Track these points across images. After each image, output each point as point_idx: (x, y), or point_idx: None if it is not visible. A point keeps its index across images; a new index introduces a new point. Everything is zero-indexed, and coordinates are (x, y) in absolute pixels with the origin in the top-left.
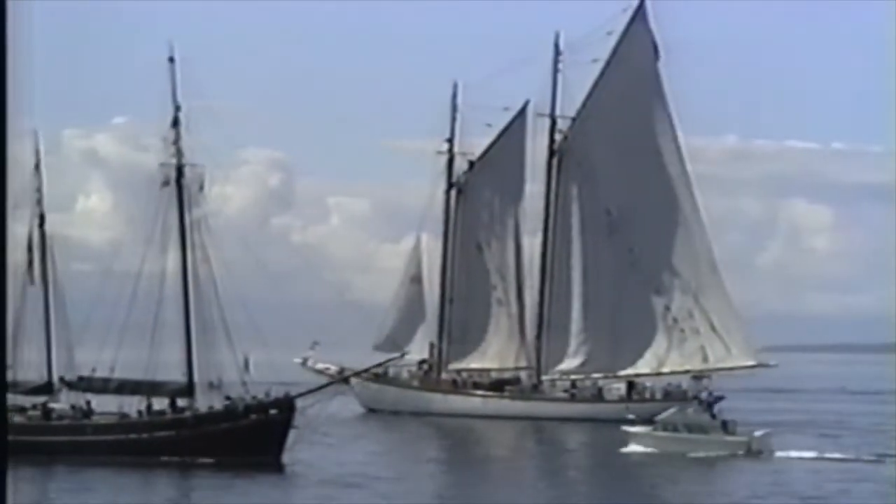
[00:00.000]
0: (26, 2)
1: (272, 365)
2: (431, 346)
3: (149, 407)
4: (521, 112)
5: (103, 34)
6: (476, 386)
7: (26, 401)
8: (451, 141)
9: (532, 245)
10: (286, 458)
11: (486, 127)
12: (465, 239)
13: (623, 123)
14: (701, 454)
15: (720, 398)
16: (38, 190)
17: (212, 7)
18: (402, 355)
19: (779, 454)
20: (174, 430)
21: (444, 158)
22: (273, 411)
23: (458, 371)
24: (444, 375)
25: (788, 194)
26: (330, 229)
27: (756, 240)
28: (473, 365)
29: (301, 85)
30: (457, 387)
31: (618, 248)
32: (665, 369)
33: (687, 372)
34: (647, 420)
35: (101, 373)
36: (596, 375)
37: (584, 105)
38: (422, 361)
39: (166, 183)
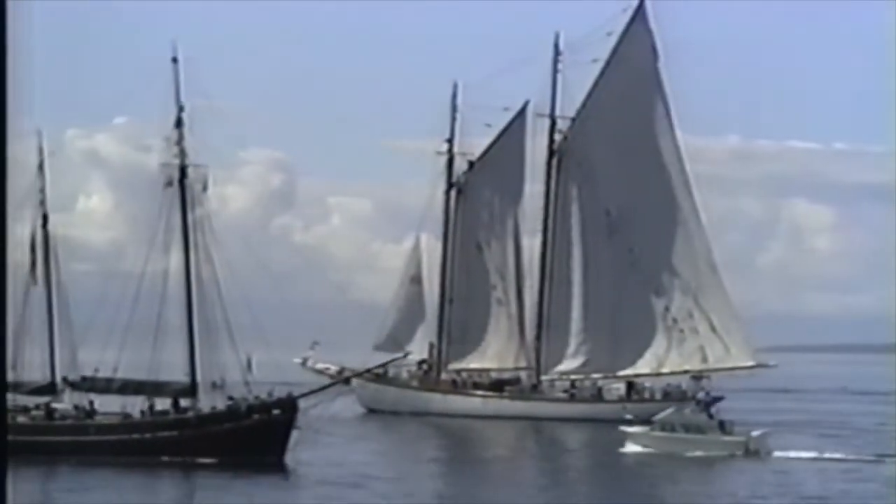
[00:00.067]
0: (26, 2)
1: (275, 365)
2: (431, 346)
3: (151, 407)
4: (521, 112)
5: (103, 34)
6: (476, 386)
7: (30, 401)
8: (450, 141)
9: (532, 245)
10: (289, 458)
11: (486, 127)
12: (465, 239)
13: (623, 124)
14: (698, 454)
15: (719, 398)
16: (42, 190)
17: (211, 7)
18: (405, 355)
19: (776, 454)
20: (177, 430)
21: (443, 158)
22: (276, 411)
23: (458, 371)
24: (443, 375)
25: (789, 194)
26: (331, 229)
27: (757, 240)
28: (473, 365)
29: (301, 85)
30: (456, 387)
31: (617, 249)
32: (664, 370)
33: (686, 372)
34: (646, 420)
35: (104, 373)
36: (595, 376)
37: (583, 105)
38: (421, 361)
39: (169, 183)
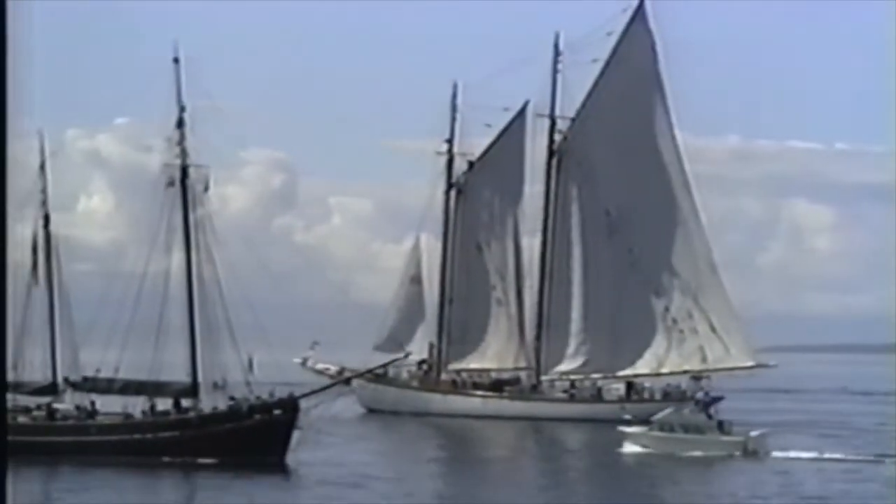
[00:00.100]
0: (26, 2)
1: (276, 365)
2: (431, 346)
3: (152, 407)
4: (521, 112)
5: (104, 35)
6: (476, 386)
7: (31, 401)
8: (450, 141)
9: (532, 245)
10: (290, 458)
11: (486, 127)
12: (465, 239)
13: (623, 124)
14: (696, 454)
15: (718, 399)
16: (43, 191)
17: (210, 8)
18: (407, 356)
19: (774, 454)
20: (178, 430)
21: (443, 159)
22: (277, 412)
23: (458, 371)
24: (443, 376)
25: (789, 194)
26: (332, 229)
27: (757, 240)
28: (473, 365)
29: (301, 85)
30: (456, 387)
31: (617, 249)
32: (664, 370)
33: (686, 372)
34: (645, 420)
35: (105, 373)
36: (595, 376)
37: (583, 105)
38: (421, 362)
39: (171, 183)
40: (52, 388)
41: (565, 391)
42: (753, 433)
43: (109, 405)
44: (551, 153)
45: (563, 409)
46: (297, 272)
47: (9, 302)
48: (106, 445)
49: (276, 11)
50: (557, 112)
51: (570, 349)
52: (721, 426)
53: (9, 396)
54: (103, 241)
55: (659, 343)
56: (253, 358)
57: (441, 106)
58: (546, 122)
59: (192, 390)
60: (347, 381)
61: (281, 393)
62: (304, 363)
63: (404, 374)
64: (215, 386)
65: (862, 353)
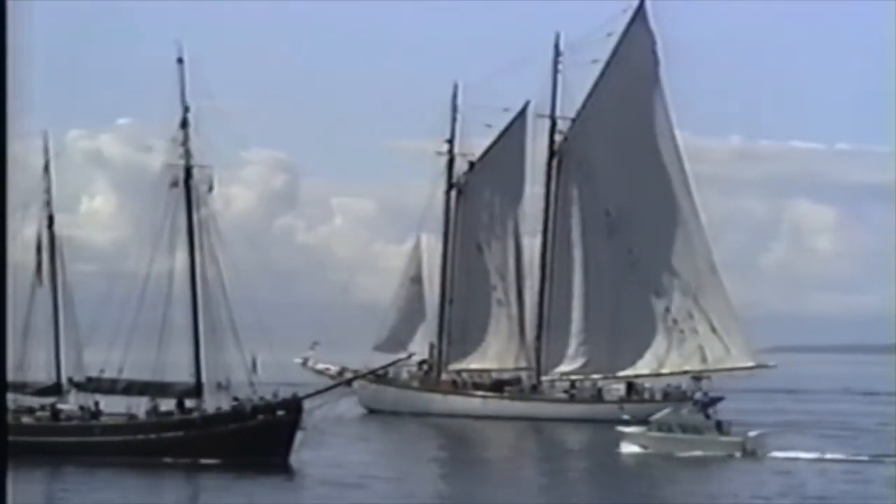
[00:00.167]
0: (26, 2)
1: (280, 365)
2: (431, 346)
3: (154, 408)
4: (521, 113)
5: (104, 35)
6: (476, 386)
7: (35, 402)
8: (451, 141)
9: (532, 246)
10: (293, 459)
11: (486, 127)
12: (466, 239)
13: (623, 124)
14: (695, 454)
15: (718, 399)
16: (48, 191)
17: (210, 8)
18: (410, 356)
19: (773, 454)
20: (182, 430)
21: (444, 159)
22: (281, 412)
23: (458, 371)
24: (443, 376)
25: (791, 194)
26: (333, 229)
27: (759, 240)
28: (473, 365)
29: (301, 85)
30: (457, 387)
31: (617, 249)
32: (664, 370)
33: (686, 373)
34: (644, 420)
35: (109, 374)
36: (595, 376)
37: (583, 106)
38: (422, 362)
39: (175, 184)
40: (56, 389)
41: (565, 391)
42: (752, 433)
43: (113, 406)
44: (552, 153)
45: (563, 409)
46: (299, 272)
47: (11, 302)
48: (110, 446)
49: (272, 12)
50: (558, 112)
51: (571, 349)
52: (719, 426)
53: (13, 397)
54: (106, 242)
55: (659, 343)
56: (256, 358)
57: (441, 106)
58: (546, 123)
59: (196, 391)
60: (350, 382)
61: (284, 393)
62: (304, 363)
63: (404, 375)
64: (219, 386)
65: (864, 353)
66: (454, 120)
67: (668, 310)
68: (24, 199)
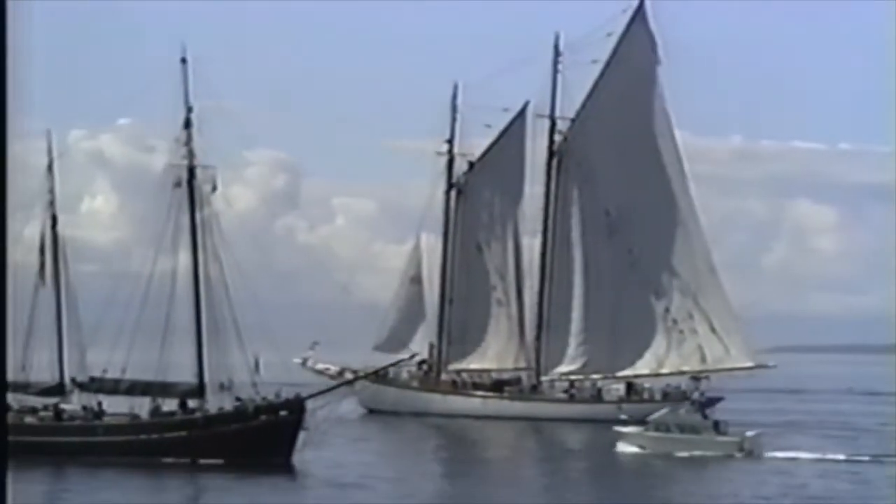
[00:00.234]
0: (26, 2)
1: (282, 366)
2: (431, 346)
3: (157, 408)
4: (521, 113)
5: (104, 35)
6: (476, 387)
7: (38, 402)
8: (450, 142)
9: (532, 246)
10: (296, 459)
11: (486, 128)
12: (465, 239)
13: (622, 124)
14: (693, 454)
15: (716, 399)
16: (51, 191)
17: (209, 8)
18: (412, 357)
19: (771, 454)
20: (184, 431)
21: (444, 159)
22: (283, 412)
23: (458, 372)
24: (443, 376)
25: (793, 194)
26: (335, 230)
27: (760, 240)
28: (473, 365)
29: (301, 85)
30: (456, 387)
31: (617, 249)
32: (664, 370)
33: (685, 373)
34: (643, 420)
35: (112, 374)
36: (595, 376)
37: (583, 106)
38: (421, 362)
39: (178, 184)
40: (59, 389)
41: (565, 391)
42: (749, 433)
43: (116, 406)
44: (551, 154)
45: (562, 409)
46: (301, 272)
47: (15, 303)
48: (113, 446)
49: (272, 12)
50: (557, 113)
51: (571, 349)
52: (717, 426)
53: (16, 397)
54: (107, 242)
55: (659, 343)
56: (259, 358)
57: (441, 106)
58: (546, 123)
59: (199, 391)
60: (352, 382)
61: (287, 393)
62: (304, 363)
63: (404, 375)
64: (221, 387)
65: (865, 353)
66: (454, 120)
67: (667, 310)
68: (26, 199)
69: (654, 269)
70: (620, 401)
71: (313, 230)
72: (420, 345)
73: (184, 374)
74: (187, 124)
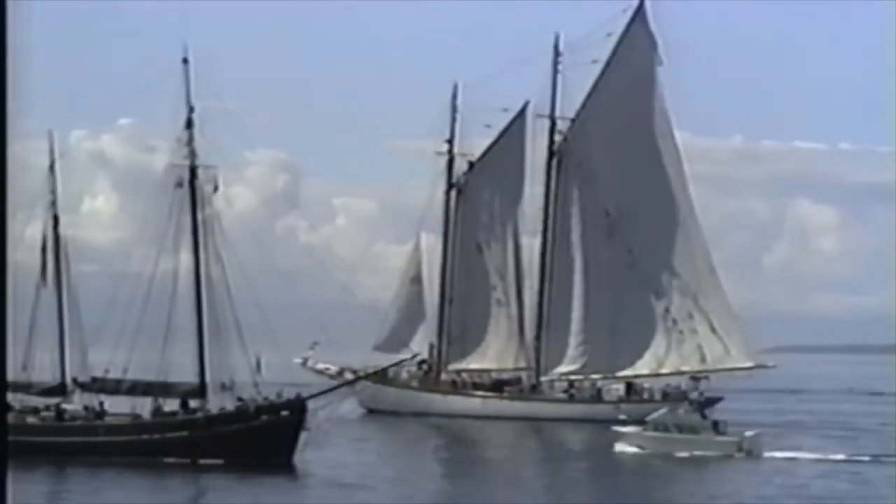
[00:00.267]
0: (26, 2)
1: (284, 366)
2: (431, 346)
3: (158, 408)
4: (521, 113)
5: (105, 35)
6: (476, 387)
7: (40, 402)
8: (450, 142)
9: (532, 246)
10: (297, 459)
11: (486, 128)
12: (465, 239)
13: (623, 124)
14: (692, 454)
15: (715, 399)
16: (52, 191)
17: (209, 8)
18: (413, 357)
19: (769, 455)
20: (186, 431)
21: (444, 159)
22: (284, 412)
23: (458, 371)
24: (443, 376)
25: (794, 194)
26: (336, 230)
27: (762, 240)
28: (473, 365)
29: (301, 85)
30: (456, 387)
31: (617, 249)
32: (664, 370)
33: (685, 373)
34: (641, 420)
35: (113, 374)
36: (595, 376)
37: (583, 106)
38: (421, 362)
39: (180, 184)
40: (60, 389)
41: (565, 391)
42: (748, 433)
43: (118, 406)
44: (551, 154)
45: (562, 409)
46: (302, 273)
47: (16, 303)
48: (114, 446)
49: (272, 12)
50: (557, 113)
51: (570, 349)
52: (716, 426)
53: (18, 397)
54: (108, 242)
55: (658, 343)
56: (261, 358)
57: (441, 106)
58: (546, 123)
59: (200, 391)
60: (355, 382)
61: (288, 394)
62: (304, 363)
63: (404, 375)
64: (223, 387)
65: (866, 353)
66: (454, 120)
67: (667, 310)
68: (27, 199)
69: (654, 270)
70: (620, 401)
71: (314, 230)
72: (420, 345)
73: (185, 374)
74: (189, 124)
